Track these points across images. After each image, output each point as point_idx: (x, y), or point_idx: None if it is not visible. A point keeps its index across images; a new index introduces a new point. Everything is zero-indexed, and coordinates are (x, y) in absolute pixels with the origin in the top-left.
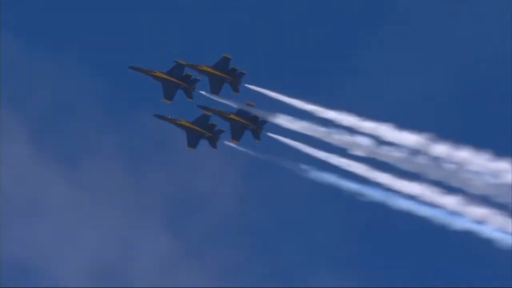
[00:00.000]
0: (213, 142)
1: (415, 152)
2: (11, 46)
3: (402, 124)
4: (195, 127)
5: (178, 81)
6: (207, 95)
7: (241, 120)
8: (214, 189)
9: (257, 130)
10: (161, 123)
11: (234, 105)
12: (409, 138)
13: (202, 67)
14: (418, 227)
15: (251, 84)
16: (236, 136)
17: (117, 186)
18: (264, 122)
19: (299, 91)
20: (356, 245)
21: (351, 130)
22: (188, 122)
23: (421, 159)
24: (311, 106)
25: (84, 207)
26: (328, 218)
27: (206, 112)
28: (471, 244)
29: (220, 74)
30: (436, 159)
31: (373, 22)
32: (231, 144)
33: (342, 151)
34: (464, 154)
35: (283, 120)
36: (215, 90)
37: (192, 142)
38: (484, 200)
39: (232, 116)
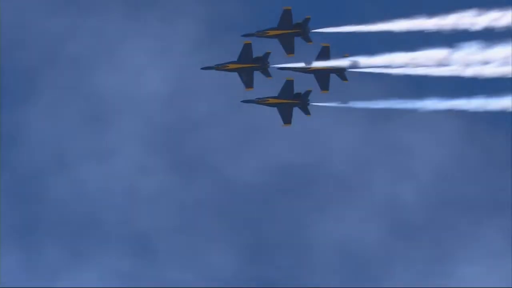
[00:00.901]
0: (304, 107)
1: None
2: None
3: None
4: (284, 100)
5: (252, 65)
6: (281, 65)
7: (325, 67)
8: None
9: (342, 72)
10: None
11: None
12: None
13: (269, 32)
14: None
15: (318, 28)
16: (324, 86)
17: None
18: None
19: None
20: None
21: None
22: (275, 98)
23: None
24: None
25: None
26: None
27: (288, 79)
28: None
29: (289, 31)
30: None
31: None
32: (322, 93)
33: None
34: None
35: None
36: (290, 49)
37: (286, 117)
38: None
39: (313, 67)
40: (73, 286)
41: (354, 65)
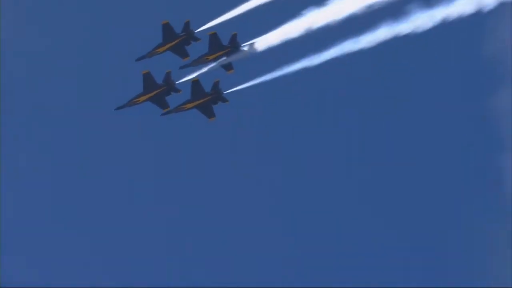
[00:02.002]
0: (221, 98)
1: None
2: None
3: None
4: (199, 100)
5: (160, 90)
6: (186, 79)
7: (220, 51)
8: None
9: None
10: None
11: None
12: None
13: (159, 49)
14: None
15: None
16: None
17: None
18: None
19: None
20: None
21: None
22: (190, 101)
23: None
24: None
25: None
26: None
27: (193, 80)
28: None
29: (177, 40)
30: None
31: None
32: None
33: None
34: None
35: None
36: (184, 54)
37: (209, 113)
38: None
39: (208, 57)
40: (73, 286)
41: (253, 49)
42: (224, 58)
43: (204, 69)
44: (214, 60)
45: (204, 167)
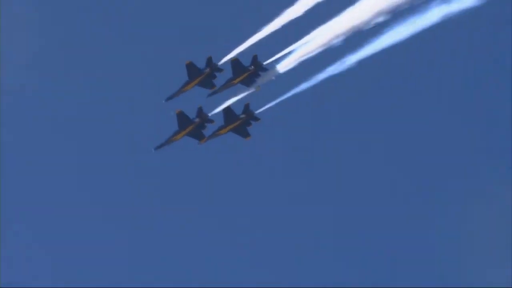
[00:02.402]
0: (253, 118)
1: None
2: None
3: None
4: (233, 124)
5: (194, 125)
6: (219, 109)
7: (244, 73)
8: None
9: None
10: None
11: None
12: None
13: (185, 88)
14: None
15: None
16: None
17: None
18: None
19: None
20: None
21: None
22: (223, 127)
23: None
24: None
25: None
26: None
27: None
28: None
29: (201, 76)
30: None
31: None
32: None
33: None
34: None
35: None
36: (210, 86)
37: (244, 133)
38: None
39: (234, 81)
40: (74, 286)
41: (275, 71)
42: (250, 80)
43: (234, 98)
44: (240, 83)
45: (248, 187)
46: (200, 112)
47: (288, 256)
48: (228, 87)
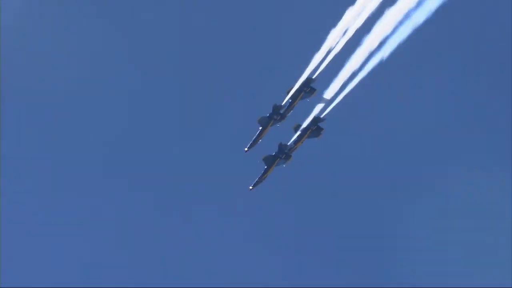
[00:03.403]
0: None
1: None
2: None
3: None
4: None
5: (278, 159)
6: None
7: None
8: None
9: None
10: None
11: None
12: None
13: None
14: None
15: None
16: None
17: None
18: None
19: None
20: None
21: None
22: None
23: None
24: None
25: None
26: None
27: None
28: None
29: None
30: None
31: None
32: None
33: None
34: None
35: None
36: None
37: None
38: None
39: (294, 104)
40: (74, 286)
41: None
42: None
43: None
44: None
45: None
46: (282, 148)
47: (288, 256)
48: (291, 110)
